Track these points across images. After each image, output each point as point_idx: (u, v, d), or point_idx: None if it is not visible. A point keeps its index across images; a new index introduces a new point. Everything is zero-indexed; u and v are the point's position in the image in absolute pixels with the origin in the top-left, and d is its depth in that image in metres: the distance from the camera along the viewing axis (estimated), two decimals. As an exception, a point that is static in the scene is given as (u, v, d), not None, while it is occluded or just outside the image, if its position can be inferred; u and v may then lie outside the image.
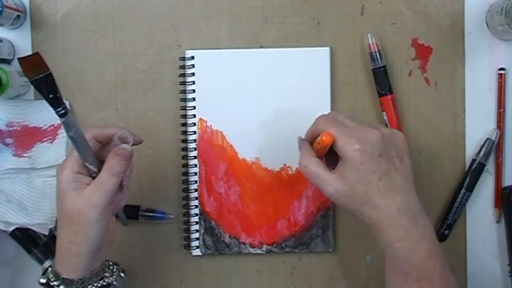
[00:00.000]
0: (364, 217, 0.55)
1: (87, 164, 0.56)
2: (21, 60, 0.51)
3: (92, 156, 0.56)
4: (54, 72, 0.69)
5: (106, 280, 0.59)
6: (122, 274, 0.62)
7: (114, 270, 0.62)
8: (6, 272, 0.71)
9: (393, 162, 0.55)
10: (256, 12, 0.70)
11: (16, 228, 0.67)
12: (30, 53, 0.50)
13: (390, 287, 0.58)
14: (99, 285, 0.59)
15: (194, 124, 0.69)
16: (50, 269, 0.58)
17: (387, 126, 0.69)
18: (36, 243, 0.69)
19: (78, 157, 0.55)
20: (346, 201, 0.55)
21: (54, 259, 0.58)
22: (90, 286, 0.58)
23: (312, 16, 0.70)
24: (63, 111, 0.52)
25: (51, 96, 0.52)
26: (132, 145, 0.58)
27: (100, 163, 0.57)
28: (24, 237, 0.69)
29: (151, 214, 0.70)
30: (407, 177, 0.56)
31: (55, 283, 0.56)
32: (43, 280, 0.58)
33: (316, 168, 0.56)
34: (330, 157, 0.58)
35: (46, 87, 0.51)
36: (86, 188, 0.55)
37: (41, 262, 0.69)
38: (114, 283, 0.60)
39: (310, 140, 0.60)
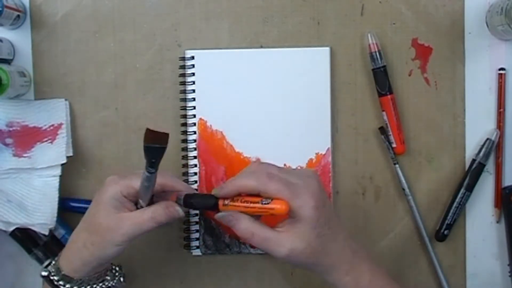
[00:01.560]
0: (318, 267, 0.56)
1: (140, 200, 0.57)
2: (149, 131, 0.52)
3: (149, 199, 0.57)
4: (54, 72, 0.70)
5: (106, 283, 0.60)
6: (121, 279, 0.63)
7: (116, 274, 0.62)
8: (7, 272, 0.71)
9: (327, 204, 0.56)
10: (256, 12, 0.70)
11: (16, 228, 0.67)
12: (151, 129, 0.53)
13: None
14: (98, 287, 0.59)
15: (194, 124, 0.69)
16: (53, 262, 0.59)
17: (387, 127, 0.69)
18: (36, 243, 0.69)
19: (133, 185, 0.56)
20: (303, 258, 0.54)
21: (59, 254, 0.59)
22: (88, 287, 0.59)
23: (312, 16, 0.70)
24: (153, 172, 0.54)
25: (153, 160, 0.53)
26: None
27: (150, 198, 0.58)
28: (24, 237, 0.69)
29: None
30: (332, 209, 0.57)
31: (55, 277, 0.57)
32: (44, 273, 0.58)
33: (264, 232, 0.54)
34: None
35: (154, 155, 0.53)
36: (125, 212, 0.56)
37: (41, 262, 0.69)
38: (114, 284, 0.61)
39: (231, 195, 0.56)
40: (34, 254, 0.69)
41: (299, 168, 0.57)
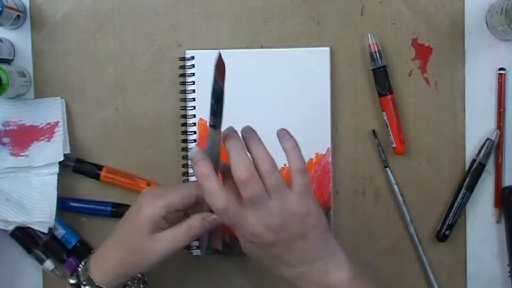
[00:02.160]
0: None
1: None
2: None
3: (216, 167, 0.55)
4: (54, 72, 0.70)
5: None
6: (142, 286, 0.64)
7: (136, 281, 0.63)
8: (6, 272, 0.71)
9: (296, 240, 0.55)
10: (256, 12, 0.70)
11: (16, 228, 0.67)
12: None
13: None
14: None
15: (194, 124, 0.69)
16: (81, 271, 0.59)
17: (387, 127, 0.69)
18: (36, 243, 0.69)
19: (173, 203, 0.56)
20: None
21: (88, 262, 0.59)
22: None
23: (312, 16, 0.70)
24: (215, 123, 0.55)
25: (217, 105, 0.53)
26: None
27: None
28: (24, 237, 0.69)
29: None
30: (316, 248, 0.55)
31: (87, 287, 0.58)
32: (73, 281, 0.59)
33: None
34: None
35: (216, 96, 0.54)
36: (160, 233, 0.56)
37: (41, 262, 0.69)
38: None
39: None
40: (34, 254, 0.69)
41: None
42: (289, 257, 0.54)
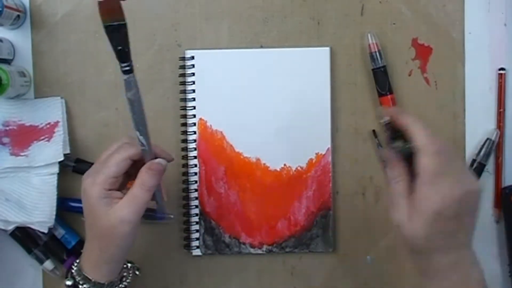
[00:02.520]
0: (413, 260, 0.54)
1: (137, 133, 0.56)
2: (100, 2, 0.49)
3: (145, 125, 0.56)
4: (54, 72, 0.70)
5: (127, 280, 0.61)
6: (137, 272, 0.64)
7: (130, 269, 0.63)
8: (6, 272, 0.71)
9: (465, 222, 0.52)
10: (256, 12, 0.70)
11: (16, 228, 0.67)
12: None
13: None
14: (122, 285, 0.61)
15: (194, 124, 0.69)
16: (75, 272, 0.59)
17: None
18: (36, 243, 0.69)
19: (110, 174, 0.56)
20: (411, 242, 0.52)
21: (80, 263, 0.59)
22: None
23: (312, 16, 0.70)
24: (127, 68, 0.52)
25: (119, 48, 0.51)
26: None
27: (128, 178, 0.59)
28: (24, 237, 0.69)
29: (151, 214, 0.70)
30: (470, 233, 0.53)
31: (85, 285, 0.58)
32: (69, 282, 0.58)
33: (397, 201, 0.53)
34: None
35: (117, 37, 0.51)
36: (118, 203, 0.56)
37: (41, 262, 0.69)
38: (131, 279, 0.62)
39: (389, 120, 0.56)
40: (34, 254, 0.69)
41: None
42: (459, 233, 0.51)
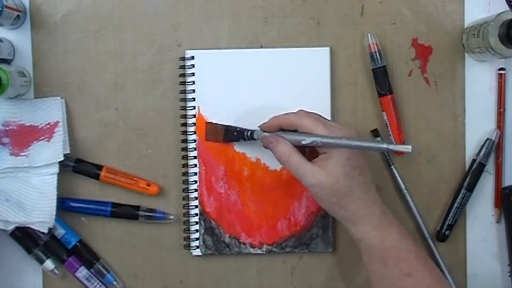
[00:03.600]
0: (342, 209, 0.59)
1: None
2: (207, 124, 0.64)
3: None
4: (54, 72, 0.70)
5: None
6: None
7: None
8: (6, 272, 0.71)
9: (364, 156, 0.61)
10: (256, 12, 0.70)
11: (16, 228, 0.67)
12: None
13: (372, 278, 0.61)
14: None
15: (194, 124, 0.69)
16: None
17: (387, 127, 0.69)
18: (36, 243, 0.69)
19: None
20: (326, 194, 0.59)
21: None
22: None
23: (312, 16, 0.70)
24: None
25: None
26: None
27: None
28: (24, 237, 0.69)
29: (151, 214, 0.70)
30: (370, 175, 0.61)
31: None
32: None
33: (300, 159, 0.60)
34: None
35: None
36: None
37: (41, 262, 0.69)
38: None
39: (272, 128, 0.64)
40: (34, 254, 0.69)
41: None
42: (362, 171, 0.60)
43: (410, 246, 0.59)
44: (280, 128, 0.63)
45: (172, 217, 0.70)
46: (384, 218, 0.60)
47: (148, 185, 0.69)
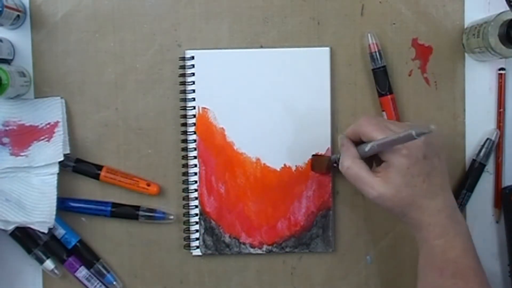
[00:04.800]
0: (405, 217, 0.57)
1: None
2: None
3: None
4: (54, 72, 0.70)
5: None
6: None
7: None
8: (6, 272, 0.71)
9: (433, 162, 0.56)
10: (256, 12, 0.70)
11: (16, 228, 0.67)
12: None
13: (423, 283, 0.58)
14: None
15: (194, 124, 0.69)
16: None
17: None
18: (36, 243, 0.69)
19: None
20: (389, 205, 0.56)
21: None
22: None
23: (312, 16, 0.70)
24: None
25: None
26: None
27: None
28: (24, 237, 0.69)
29: (151, 214, 0.70)
30: (445, 175, 0.58)
31: None
32: None
33: (359, 170, 0.57)
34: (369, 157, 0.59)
35: None
36: None
37: (41, 262, 0.69)
38: None
39: (351, 138, 0.60)
40: (34, 254, 0.69)
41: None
42: (435, 175, 0.56)
43: (471, 263, 0.56)
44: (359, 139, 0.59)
45: (172, 217, 0.70)
46: (450, 229, 0.56)
47: (148, 185, 0.69)
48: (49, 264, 0.69)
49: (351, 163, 0.57)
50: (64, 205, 0.70)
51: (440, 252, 0.56)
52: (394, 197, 0.55)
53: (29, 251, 0.69)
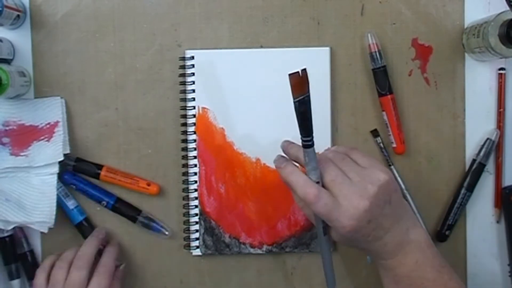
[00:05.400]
0: (353, 245, 0.59)
1: (310, 174, 0.56)
2: (290, 76, 0.52)
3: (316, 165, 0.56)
4: (54, 72, 0.70)
5: None
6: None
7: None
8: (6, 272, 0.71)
9: (382, 215, 0.56)
10: (256, 12, 0.70)
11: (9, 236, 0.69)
12: (296, 71, 0.51)
13: None
14: None
15: (194, 124, 0.69)
16: None
17: (387, 127, 0.69)
18: (15, 259, 0.70)
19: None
20: (338, 238, 0.58)
21: None
22: None
23: (312, 16, 0.70)
24: (310, 143, 0.54)
25: (305, 122, 0.53)
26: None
27: None
28: (7, 247, 0.70)
29: (149, 223, 0.70)
30: (397, 213, 0.57)
31: None
32: None
33: (327, 201, 0.55)
34: None
35: (304, 110, 0.53)
36: None
37: (11, 278, 0.70)
38: None
39: (290, 157, 0.60)
40: (8, 267, 0.70)
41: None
42: (383, 223, 0.56)
43: (427, 275, 0.57)
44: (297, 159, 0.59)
45: (167, 233, 0.70)
46: (398, 251, 0.58)
47: (148, 184, 0.69)
48: (16, 284, 0.70)
49: (319, 194, 0.55)
50: (71, 182, 0.70)
51: (390, 269, 0.59)
52: (340, 238, 0.57)
53: (6, 262, 0.70)
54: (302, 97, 0.52)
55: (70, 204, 0.70)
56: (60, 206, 0.69)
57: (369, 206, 0.54)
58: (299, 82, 0.52)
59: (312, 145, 0.54)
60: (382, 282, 0.61)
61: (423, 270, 0.58)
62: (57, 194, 0.68)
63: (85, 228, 0.70)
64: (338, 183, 0.55)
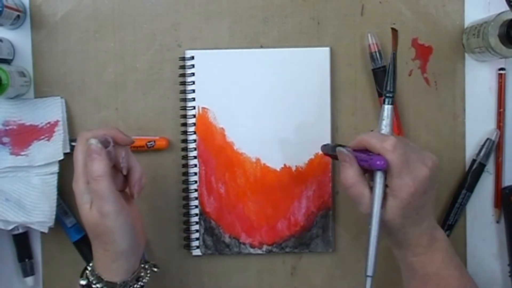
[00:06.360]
0: (388, 237, 0.59)
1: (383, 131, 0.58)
2: (394, 30, 0.60)
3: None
4: (54, 72, 0.70)
5: (144, 280, 0.60)
6: (155, 269, 0.63)
7: (147, 267, 0.62)
8: (7, 272, 0.71)
9: (429, 195, 0.57)
10: (256, 12, 0.70)
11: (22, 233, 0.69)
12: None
13: None
14: (138, 286, 0.59)
15: (194, 124, 0.69)
16: (89, 271, 0.59)
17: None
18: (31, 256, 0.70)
19: (86, 167, 0.56)
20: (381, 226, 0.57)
21: (93, 263, 0.59)
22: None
23: (312, 16, 0.70)
24: (393, 98, 0.58)
25: (394, 75, 0.58)
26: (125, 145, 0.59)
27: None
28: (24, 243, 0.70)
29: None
30: (433, 202, 0.58)
31: (98, 285, 0.57)
32: (83, 282, 0.58)
33: (363, 189, 0.57)
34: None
35: (395, 62, 0.58)
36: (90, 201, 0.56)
37: (25, 274, 0.70)
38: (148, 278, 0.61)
39: (353, 146, 0.59)
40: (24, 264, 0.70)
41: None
42: (425, 207, 0.57)
43: (453, 273, 0.58)
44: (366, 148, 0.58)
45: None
46: (428, 247, 0.58)
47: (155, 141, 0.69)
48: (30, 280, 0.70)
49: (355, 181, 0.57)
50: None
51: (420, 267, 0.58)
52: (386, 222, 0.56)
53: (20, 259, 0.70)
54: (395, 52, 0.58)
55: (68, 222, 0.70)
56: (59, 224, 0.69)
57: (429, 175, 0.55)
58: (397, 38, 0.58)
59: (393, 103, 0.57)
60: (407, 285, 0.61)
61: (448, 268, 0.58)
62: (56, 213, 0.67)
63: (83, 246, 0.70)
64: (404, 146, 0.55)
